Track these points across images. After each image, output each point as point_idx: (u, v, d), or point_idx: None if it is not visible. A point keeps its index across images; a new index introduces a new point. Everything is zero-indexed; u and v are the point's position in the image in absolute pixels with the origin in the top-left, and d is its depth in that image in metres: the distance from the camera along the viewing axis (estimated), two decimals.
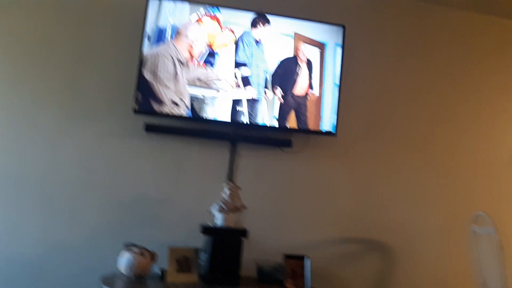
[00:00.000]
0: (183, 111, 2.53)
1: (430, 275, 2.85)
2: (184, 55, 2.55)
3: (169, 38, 2.54)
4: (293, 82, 2.68)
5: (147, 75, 2.49)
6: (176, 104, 2.52)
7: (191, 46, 2.56)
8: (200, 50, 2.57)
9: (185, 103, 2.53)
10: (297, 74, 2.69)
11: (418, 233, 2.87)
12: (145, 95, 2.48)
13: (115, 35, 2.66)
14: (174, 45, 2.54)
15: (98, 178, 2.55)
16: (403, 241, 2.85)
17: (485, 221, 2.28)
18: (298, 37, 2.69)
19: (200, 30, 2.57)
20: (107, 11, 2.66)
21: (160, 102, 2.49)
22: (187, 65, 2.55)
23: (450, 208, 2.93)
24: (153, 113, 2.51)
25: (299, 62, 2.70)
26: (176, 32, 2.54)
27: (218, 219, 2.30)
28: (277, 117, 2.64)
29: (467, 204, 2.92)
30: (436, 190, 2.94)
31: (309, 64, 2.71)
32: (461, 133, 3.02)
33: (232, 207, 2.33)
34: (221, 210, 2.31)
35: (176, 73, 2.53)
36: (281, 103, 2.65)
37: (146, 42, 2.50)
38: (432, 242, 2.88)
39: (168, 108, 2.51)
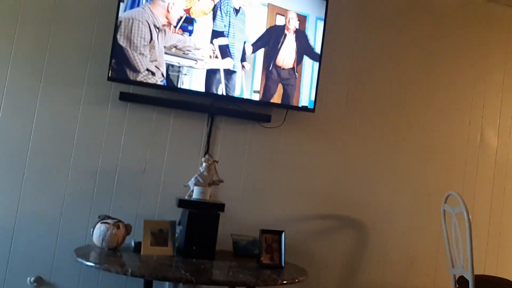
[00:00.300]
0: (159, 80, 2.44)
1: (401, 251, 2.94)
2: (161, 20, 2.43)
3: (144, 1, 2.41)
4: (275, 52, 2.62)
5: (122, 41, 2.37)
6: (152, 72, 2.42)
7: (168, 11, 2.44)
8: (178, 14, 2.45)
9: (161, 71, 2.44)
10: (281, 43, 2.62)
11: (391, 210, 2.94)
12: (120, 62, 2.37)
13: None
14: (150, 9, 2.41)
15: (72, 146, 2.45)
16: (376, 218, 2.91)
17: (456, 200, 2.34)
18: (273, 8, 2.61)
19: None
20: None
21: (135, 70, 2.39)
22: (164, 31, 2.44)
23: (423, 187, 3.00)
24: (128, 81, 2.41)
25: (285, 31, 2.63)
26: None
27: (195, 193, 2.27)
28: (259, 89, 2.59)
29: (440, 184, 3.00)
30: (411, 170, 2.99)
31: (298, 34, 2.65)
32: (435, 115, 3.07)
33: (209, 181, 2.30)
34: (198, 183, 2.27)
35: (152, 39, 2.42)
36: (265, 75, 2.59)
37: (121, 5, 2.37)
38: (404, 220, 2.96)
39: (143, 77, 2.41)
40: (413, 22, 3.06)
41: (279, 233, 2.27)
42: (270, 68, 2.61)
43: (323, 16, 2.69)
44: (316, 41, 2.69)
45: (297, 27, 2.65)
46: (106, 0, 2.49)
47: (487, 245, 3.08)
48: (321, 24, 2.69)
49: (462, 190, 2.96)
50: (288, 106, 2.67)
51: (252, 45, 2.58)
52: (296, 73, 2.65)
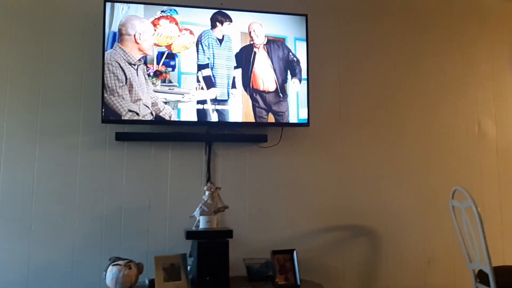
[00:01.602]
0: (148, 116, 2.45)
1: (417, 253, 2.91)
2: (134, 55, 2.45)
3: (115, 42, 2.44)
4: (249, 72, 2.63)
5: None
6: (136, 113, 2.42)
7: (136, 42, 2.45)
8: (150, 43, 2.47)
9: (148, 108, 2.46)
10: (252, 63, 2.64)
11: (400, 213, 2.92)
12: (106, 108, 2.40)
13: (76, 44, 2.56)
14: (120, 48, 2.44)
15: (75, 192, 2.47)
16: (386, 223, 2.89)
17: (464, 195, 2.33)
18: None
19: (142, 23, 2.47)
20: (65, 22, 2.57)
21: (117, 115, 2.40)
22: (143, 64, 2.46)
23: (428, 186, 2.99)
24: (122, 121, 2.44)
25: (254, 49, 2.66)
26: (119, 33, 2.45)
27: (201, 222, 2.26)
28: (251, 114, 2.61)
29: (444, 180, 2.99)
30: (413, 169, 2.98)
31: (271, 48, 2.67)
32: (430, 112, 3.07)
33: (214, 209, 2.30)
34: (203, 212, 2.27)
35: (126, 78, 2.42)
36: (252, 99, 2.61)
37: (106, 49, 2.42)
38: (415, 221, 2.93)
39: (129, 117, 2.42)
40: (398, 23, 3.08)
41: (290, 252, 2.26)
42: (252, 93, 2.61)
43: (302, 36, 2.71)
44: (299, 59, 2.71)
45: (265, 42, 2.66)
46: (93, 46, 2.54)
47: (502, 235, 3.04)
48: (301, 44, 2.71)
49: (468, 183, 2.94)
50: (282, 123, 2.68)
51: (230, 69, 2.61)
52: (280, 95, 2.66)
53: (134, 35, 2.46)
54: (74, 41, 2.57)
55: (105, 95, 2.40)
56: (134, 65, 2.45)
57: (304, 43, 2.71)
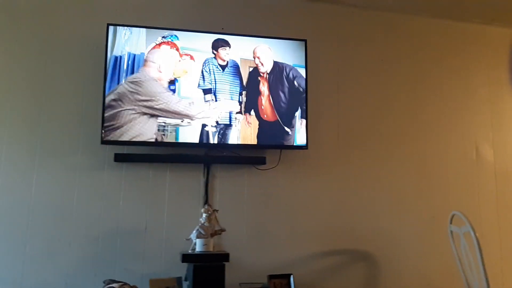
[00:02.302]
0: (150, 137, 2.48)
1: (415, 279, 2.87)
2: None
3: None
4: (256, 99, 2.67)
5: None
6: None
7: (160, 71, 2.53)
8: (169, 75, 2.54)
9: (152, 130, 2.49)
10: (257, 88, 2.68)
11: (398, 238, 2.90)
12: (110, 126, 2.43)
13: (78, 67, 2.60)
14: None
15: (72, 214, 2.46)
16: (384, 247, 2.86)
17: (461, 220, 2.32)
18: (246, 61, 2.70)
19: (161, 56, 2.55)
20: (67, 45, 2.60)
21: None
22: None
23: (427, 210, 2.98)
24: (121, 142, 2.45)
25: (260, 76, 2.70)
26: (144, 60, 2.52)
27: (198, 245, 2.25)
28: (256, 136, 2.63)
29: (443, 204, 2.98)
30: (411, 194, 2.98)
31: (271, 78, 2.71)
32: (428, 136, 3.09)
33: (211, 231, 2.29)
34: (200, 235, 2.26)
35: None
36: (258, 129, 2.64)
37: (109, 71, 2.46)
38: (413, 245, 2.91)
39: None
40: (395, 47, 3.14)
41: (287, 276, 2.24)
42: (257, 119, 2.64)
43: (300, 63, 2.75)
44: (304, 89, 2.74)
45: (268, 71, 2.70)
46: (94, 68, 2.56)
47: (501, 260, 3.02)
48: (300, 70, 2.75)
49: (467, 208, 2.94)
50: (281, 146, 2.69)
51: (240, 95, 2.64)
52: (284, 127, 2.67)
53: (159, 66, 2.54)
54: (76, 64, 2.60)
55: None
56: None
57: (303, 69, 2.75)
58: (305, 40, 2.77)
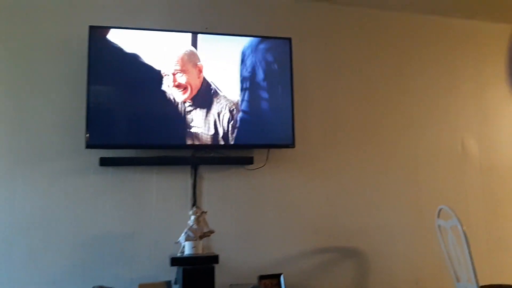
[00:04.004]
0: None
1: (405, 273, 2.90)
2: None
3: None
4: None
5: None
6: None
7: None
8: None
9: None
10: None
11: (387, 233, 2.92)
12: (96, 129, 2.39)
13: (60, 68, 2.54)
14: None
15: (57, 220, 2.41)
16: (373, 243, 2.88)
17: (449, 214, 2.34)
18: None
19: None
20: (49, 47, 2.55)
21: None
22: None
23: (414, 205, 3.00)
24: (107, 146, 2.42)
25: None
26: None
27: (187, 248, 2.23)
28: (236, 134, 2.61)
29: (430, 198, 3.01)
30: (398, 189, 3.00)
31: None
32: (415, 130, 3.11)
33: (199, 234, 2.28)
34: (188, 238, 2.24)
35: None
36: (237, 117, 2.62)
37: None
38: (402, 240, 2.93)
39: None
40: (382, 43, 3.15)
41: (277, 276, 2.24)
42: (237, 110, 2.64)
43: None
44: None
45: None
46: (76, 69, 2.52)
47: (489, 253, 3.05)
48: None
49: (454, 202, 2.96)
50: (268, 145, 2.69)
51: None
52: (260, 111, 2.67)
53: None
54: (58, 66, 2.54)
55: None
56: None
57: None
58: (289, 39, 2.76)
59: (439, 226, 2.53)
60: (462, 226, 2.23)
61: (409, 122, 3.11)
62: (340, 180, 2.90)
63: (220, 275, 2.26)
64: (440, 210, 2.51)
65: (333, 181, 2.88)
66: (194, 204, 2.58)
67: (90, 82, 2.41)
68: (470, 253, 2.20)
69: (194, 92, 2.58)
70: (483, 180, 3.17)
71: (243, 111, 2.64)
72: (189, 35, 2.62)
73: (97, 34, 2.46)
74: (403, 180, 3.02)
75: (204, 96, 2.59)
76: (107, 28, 2.49)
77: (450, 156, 3.14)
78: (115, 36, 2.49)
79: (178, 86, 2.56)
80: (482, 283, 2.23)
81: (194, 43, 2.62)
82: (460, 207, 2.92)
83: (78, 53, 2.52)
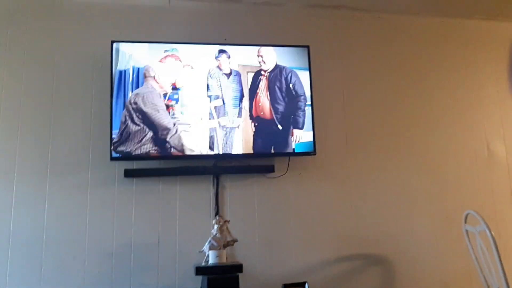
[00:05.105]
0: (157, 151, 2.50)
1: (432, 280, 2.83)
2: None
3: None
4: (253, 97, 2.68)
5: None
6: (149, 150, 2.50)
7: (156, 81, 2.56)
8: (167, 87, 2.57)
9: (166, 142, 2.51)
10: (257, 88, 2.69)
11: (413, 240, 2.86)
12: (122, 140, 2.45)
13: (85, 83, 2.63)
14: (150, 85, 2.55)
15: (85, 231, 2.48)
16: (399, 250, 2.83)
17: (476, 219, 2.28)
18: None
19: (164, 68, 2.58)
20: (73, 62, 2.64)
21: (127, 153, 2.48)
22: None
23: (441, 210, 2.94)
24: (130, 157, 2.47)
25: (261, 75, 2.71)
26: (144, 76, 2.55)
27: (211, 257, 2.25)
28: (256, 143, 2.63)
29: (457, 203, 2.94)
30: (423, 194, 2.94)
31: (271, 77, 2.71)
32: (438, 134, 3.06)
33: (223, 243, 2.29)
34: (212, 247, 2.26)
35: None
36: (256, 128, 2.64)
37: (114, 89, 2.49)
38: (428, 247, 2.87)
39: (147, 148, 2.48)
40: (402, 49, 3.12)
41: (302, 285, 2.23)
42: (255, 122, 2.66)
43: (303, 66, 2.75)
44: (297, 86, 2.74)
45: (270, 69, 2.71)
46: (101, 84, 2.60)
47: None
48: (301, 73, 2.75)
49: (481, 206, 2.89)
50: (289, 153, 2.69)
51: (237, 100, 2.66)
52: (279, 126, 2.67)
53: (154, 76, 2.55)
54: (83, 81, 2.63)
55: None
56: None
57: (305, 72, 2.74)
58: (307, 46, 2.77)
59: (466, 231, 2.47)
60: (490, 231, 2.17)
61: (431, 127, 3.06)
62: (362, 187, 2.87)
63: (245, 283, 2.27)
64: (467, 215, 2.45)
65: (355, 188, 2.86)
66: (217, 213, 2.60)
67: (112, 95, 2.47)
68: (500, 259, 2.14)
69: None
70: (511, 182, 3.08)
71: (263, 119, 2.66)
72: (214, 47, 2.66)
73: (118, 48, 2.53)
74: (428, 185, 2.96)
75: None
76: (128, 42, 2.55)
77: (475, 159, 3.07)
78: (135, 49, 2.55)
79: None
80: None
81: (217, 56, 2.66)
82: (488, 211, 2.86)
83: (100, 67, 2.60)
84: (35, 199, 2.46)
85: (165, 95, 2.56)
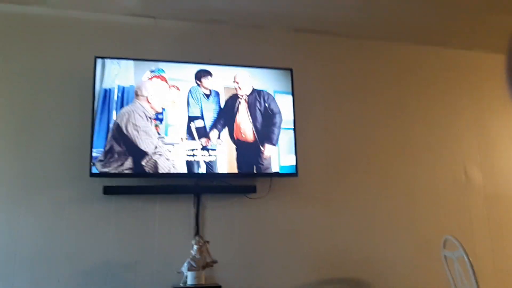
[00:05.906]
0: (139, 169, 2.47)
1: None
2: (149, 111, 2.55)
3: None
4: (232, 122, 2.68)
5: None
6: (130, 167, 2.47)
7: (148, 102, 2.55)
8: (158, 108, 2.56)
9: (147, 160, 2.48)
10: (236, 111, 2.70)
11: (393, 263, 2.87)
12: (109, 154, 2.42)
13: (65, 99, 2.59)
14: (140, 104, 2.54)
15: (60, 248, 2.40)
16: (378, 274, 2.83)
17: (454, 244, 2.31)
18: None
19: (154, 88, 2.58)
20: (54, 78, 2.61)
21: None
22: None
23: (420, 234, 2.96)
24: (111, 174, 2.43)
25: (238, 98, 2.72)
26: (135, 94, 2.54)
27: (189, 278, 2.21)
28: (238, 163, 2.62)
29: (436, 228, 2.97)
30: (404, 219, 2.97)
31: (250, 100, 2.73)
32: (417, 159, 3.11)
33: (202, 264, 2.26)
34: (191, 268, 2.22)
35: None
36: (237, 150, 2.64)
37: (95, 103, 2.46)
38: (408, 271, 2.88)
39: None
40: (382, 73, 3.19)
41: None
42: (236, 144, 2.65)
43: (284, 89, 2.78)
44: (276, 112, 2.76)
45: (248, 93, 2.73)
46: (82, 100, 2.56)
47: (496, 282, 2.99)
48: (281, 97, 2.78)
49: (459, 231, 2.93)
50: (271, 174, 2.69)
51: (217, 121, 2.66)
52: (260, 147, 2.68)
53: (147, 97, 2.55)
54: (63, 96, 2.59)
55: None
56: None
57: (288, 96, 2.78)
58: (290, 69, 2.81)
59: (445, 256, 2.49)
60: (468, 257, 2.20)
61: (411, 152, 3.11)
62: (343, 210, 2.88)
63: None
64: (445, 240, 2.48)
65: (336, 211, 2.87)
66: (197, 233, 2.56)
67: (94, 111, 2.44)
68: (477, 284, 2.16)
69: None
70: (488, 208, 3.14)
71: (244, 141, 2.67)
72: (197, 66, 2.67)
73: (103, 64, 2.52)
74: (407, 209, 2.99)
75: None
76: (113, 59, 2.54)
77: (453, 185, 3.13)
78: (120, 67, 2.54)
79: None
80: None
81: (198, 76, 2.67)
82: (465, 237, 2.89)
83: (83, 83, 2.57)
84: (10, 213, 2.39)
85: (156, 114, 2.54)
